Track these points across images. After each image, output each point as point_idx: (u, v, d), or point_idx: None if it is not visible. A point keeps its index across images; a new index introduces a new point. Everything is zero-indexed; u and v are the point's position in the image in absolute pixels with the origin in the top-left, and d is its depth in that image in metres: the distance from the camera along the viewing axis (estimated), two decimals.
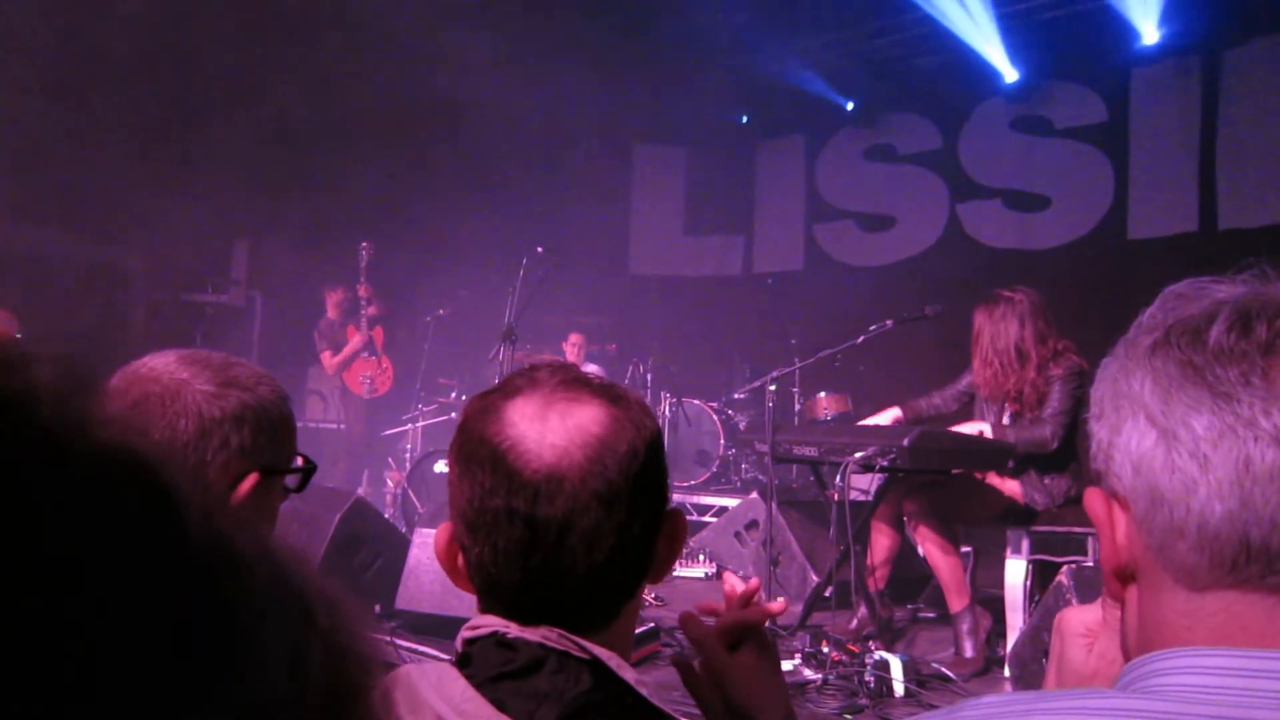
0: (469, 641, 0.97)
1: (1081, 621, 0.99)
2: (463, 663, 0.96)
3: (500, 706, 0.89)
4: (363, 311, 7.75)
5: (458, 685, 0.91)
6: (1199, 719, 0.59)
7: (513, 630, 0.95)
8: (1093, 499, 0.73)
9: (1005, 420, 4.27)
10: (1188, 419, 0.64)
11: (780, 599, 1.24)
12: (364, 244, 7.71)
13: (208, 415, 1.23)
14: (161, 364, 1.27)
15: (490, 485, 0.94)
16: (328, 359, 7.77)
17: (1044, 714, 0.64)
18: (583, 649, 0.92)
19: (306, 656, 0.28)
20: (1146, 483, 0.66)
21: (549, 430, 0.94)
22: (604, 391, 0.99)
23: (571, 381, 0.99)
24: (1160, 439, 0.66)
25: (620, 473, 0.94)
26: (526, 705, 0.89)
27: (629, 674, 0.93)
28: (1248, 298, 0.67)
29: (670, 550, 1.03)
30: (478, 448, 0.96)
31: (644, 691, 0.93)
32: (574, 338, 8.15)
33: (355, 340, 7.75)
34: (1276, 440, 0.61)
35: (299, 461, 1.38)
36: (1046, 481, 4.17)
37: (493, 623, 0.96)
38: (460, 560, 1.00)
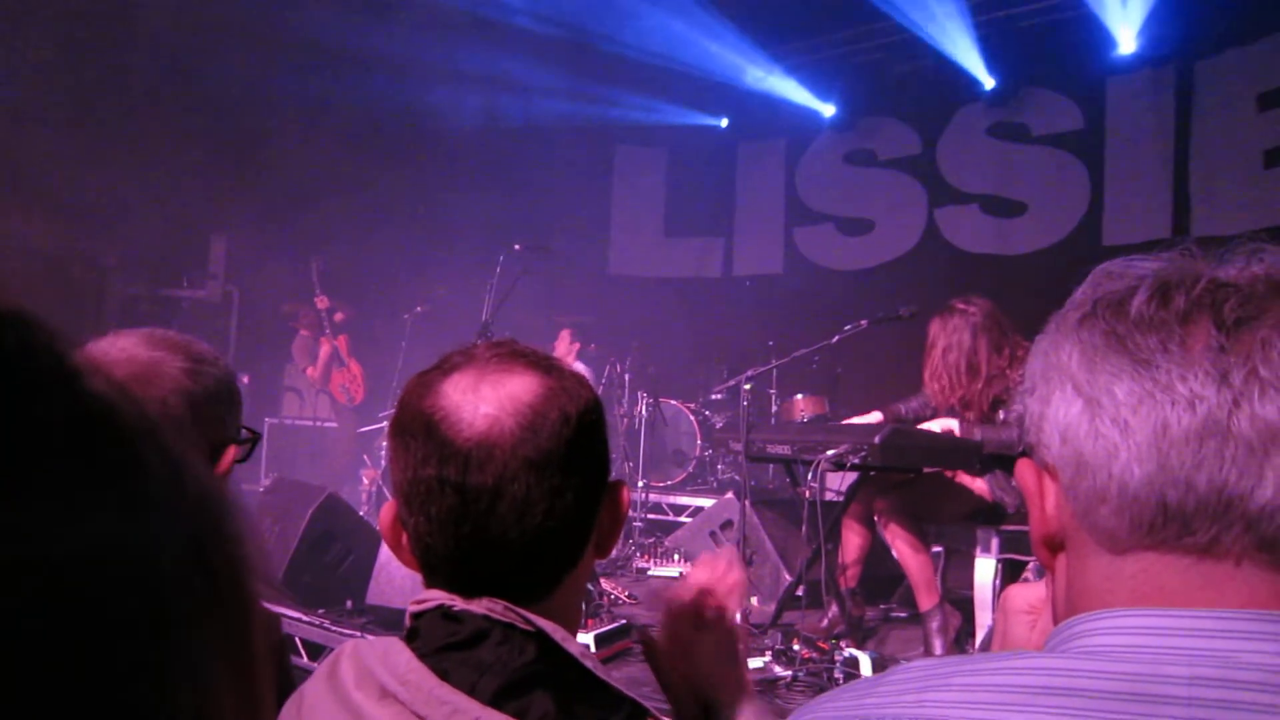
0: (416, 616, 0.98)
1: (1024, 599, 1.01)
2: (410, 636, 0.97)
3: (444, 677, 0.89)
4: (325, 322, 7.85)
5: (403, 656, 0.92)
6: (1115, 676, 0.60)
7: (458, 603, 0.95)
8: (1023, 470, 0.75)
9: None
10: (1110, 386, 0.66)
11: (736, 573, 1.24)
12: (315, 259, 7.82)
13: (192, 391, 1.25)
14: (130, 344, 1.27)
15: (423, 455, 0.95)
16: (311, 374, 7.94)
17: (969, 674, 0.65)
18: (527, 621, 0.93)
19: (205, 549, 0.28)
20: (1072, 450, 0.68)
21: (481, 400, 0.95)
22: (538, 363, 1.00)
23: (507, 355, 1.00)
24: (1085, 407, 0.67)
25: (552, 439, 0.94)
26: (470, 676, 0.90)
27: (574, 646, 0.94)
28: (1168, 270, 0.69)
29: (613, 521, 1.04)
30: (412, 420, 0.97)
31: (588, 664, 0.94)
32: (564, 334, 8.14)
33: (323, 351, 7.87)
34: (1192, 405, 0.62)
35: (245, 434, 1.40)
36: (1015, 482, 4.19)
37: (438, 596, 0.97)
38: (404, 537, 1.01)
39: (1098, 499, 0.66)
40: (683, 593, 1.28)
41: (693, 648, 1.22)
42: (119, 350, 1.26)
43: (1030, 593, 0.99)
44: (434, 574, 0.99)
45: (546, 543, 0.95)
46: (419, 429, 0.96)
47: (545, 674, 0.91)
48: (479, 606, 0.94)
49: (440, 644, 0.93)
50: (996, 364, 4.17)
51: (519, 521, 0.93)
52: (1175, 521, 0.63)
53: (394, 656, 0.92)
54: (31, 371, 0.25)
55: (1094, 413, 0.66)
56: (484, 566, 0.95)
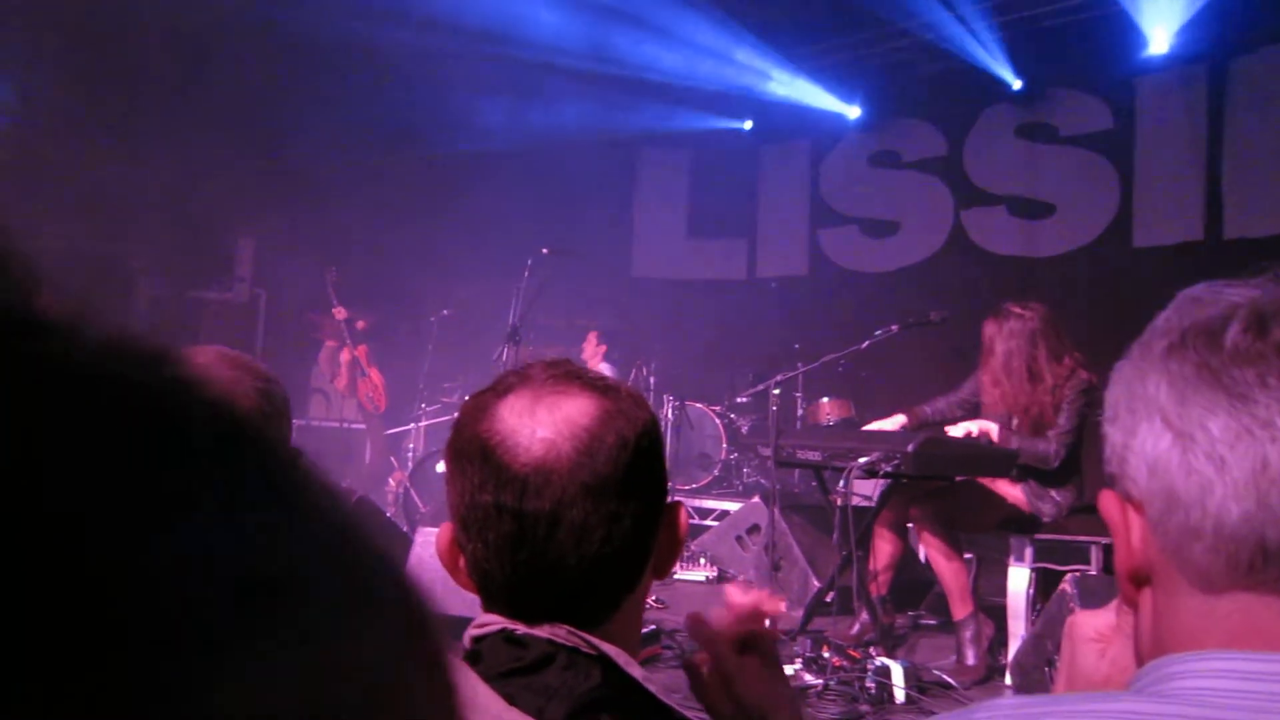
0: (477, 639, 0.97)
1: (1093, 627, 0.99)
2: (471, 659, 0.96)
3: (510, 702, 0.89)
4: (345, 332, 7.92)
5: (469, 680, 0.92)
6: None
7: (520, 628, 0.95)
8: (1107, 502, 0.73)
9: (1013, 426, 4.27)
10: (1204, 421, 0.64)
11: (778, 599, 1.23)
12: (328, 270, 7.88)
13: (266, 413, 1.31)
14: (208, 363, 1.32)
15: (479, 480, 0.94)
16: (339, 385, 8.05)
17: (1057, 716, 0.64)
18: (591, 645, 0.92)
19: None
20: (1162, 485, 0.66)
21: (538, 424, 0.94)
22: (594, 384, 0.98)
23: (562, 376, 0.99)
24: (1176, 441, 0.65)
25: (609, 464, 0.93)
26: (536, 700, 0.89)
27: (636, 670, 0.93)
28: (1263, 300, 0.67)
29: (671, 543, 1.03)
30: (468, 444, 0.96)
31: (651, 688, 0.93)
32: (591, 337, 8.14)
33: (344, 360, 7.96)
34: None
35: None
36: (1054, 494, 4.15)
37: (500, 620, 0.96)
38: (461, 561, 1.00)
39: (1191, 536, 0.65)
40: (724, 618, 1.27)
41: (740, 675, 1.22)
42: (202, 365, 1.30)
43: (1099, 619, 0.97)
44: (492, 599, 0.98)
45: (605, 568, 0.94)
46: (475, 453, 0.95)
47: (611, 699, 0.91)
48: (542, 631, 0.93)
49: (505, 668, 0.92)
50: (1058, 372, 4.11)
51: (577, 548, 0.92)
52: (1276, 563, 0.62)
53: (471, 683, 0.92)
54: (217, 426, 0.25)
55: (1186, 447, 0.65)
56: (542, 592, 0.94)
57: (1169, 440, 0.66)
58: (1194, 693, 0.62)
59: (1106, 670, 0.94)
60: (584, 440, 0.93)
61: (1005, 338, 4.19)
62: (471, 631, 0.98)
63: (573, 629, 0.93)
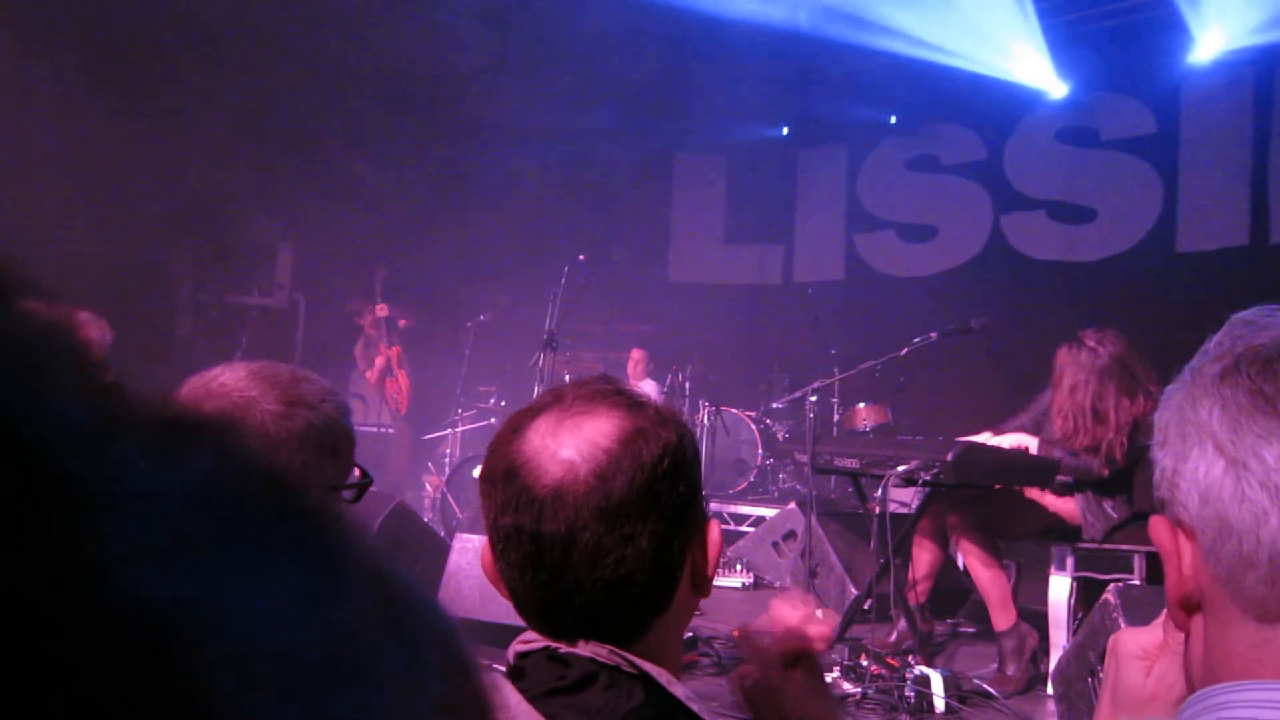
0: (521, 655, 0.98)
1: (1138, 644, 0.98)
2: (515, 675, 0.97)
3: None
4: (384, 330, 7.99)
5: (512, 699, 0.92)
6: None
7: (563, 646, 0.95)
8: (1158, 528, 0.73)
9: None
10: (1258, 449, 0.63)
11: (830, 619, 1.23)
12: (379, 267, 7.95)
13: (275, 436, 1.25)
14: (232, 379, 1.29)
15: (502, 501, 0.95)
16: (370, 377, 8.12)
17: None
18: (632, 664, 0.93)
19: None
20: (1215, 512, 0.66)
21: (560, 445, 0.94)
22: (622, 403, 0.98)
23: (592, 395, 0.99)
24: (1229, 468, 0.65)
25: (625, 486, 0.92)
26: None
27: (679, 690, 0.93)
28: None
29: (702, 562, 1.02)
30: (495, 465, 0.98)
31: (695, 708, 0.93)
32: (635, 353, 8.15)
33: (378, 361, 8.03)
34: None
35: (356, 474, 1.40)
36: (1109, 508, 4.06)
37: (542, 639, 0.97)
38: None
39: (1244, 564, 0.64)
40: (770, 635, 1.28)
41: (786, 688, 1.23)
42: (218, 384, 1.29)
43: (1144, 637, 0.95)
44: (525, 617, 1.00)
45: (623, 590, 0.94)
46: (500, 475, 0.97)
47: (654, 718, 0.91)
48: (584, 650, 0.94)
49: (548, 687, 0.93)
50: (1129, 411, 3.95)
51: (591, 570, 0.92)
52: None
53: (504, 696, 0.92)
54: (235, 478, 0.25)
55: (1239, 475, 0.64)
56: (564, 613, 0.95)
57: (1222, 467, 0.65)
58: None
59: (1152, 688, 0.93)
60: (602, 462, 0.93)
61: (1073, 371, 4.05)
62: (516, 647, 0.99)
63: (614, 649, 0.94)
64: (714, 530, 1.03)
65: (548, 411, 0.98)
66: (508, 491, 0.95)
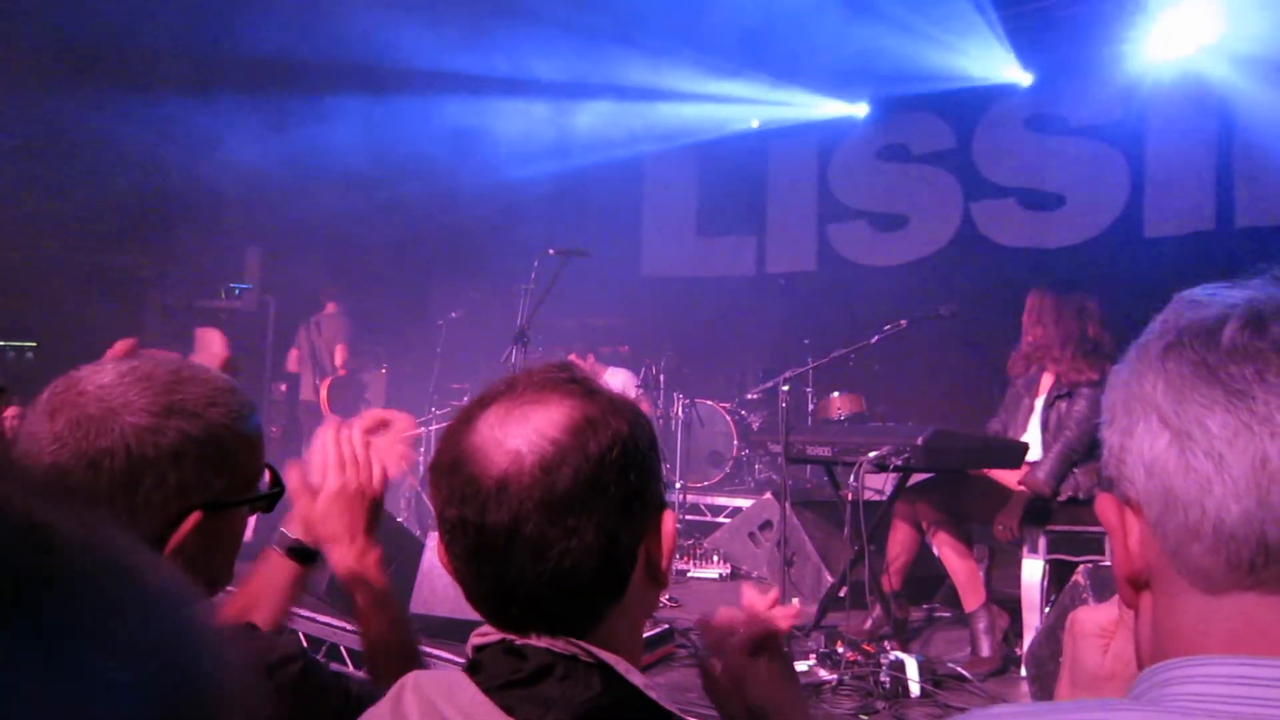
0: (478, 649, 0.97)
1: (1095, 622, 0.98)
2: (473, 669, 0.96)
3: (510, 713, 0.89)
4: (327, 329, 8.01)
5: (468, 692, 0.91)
6: None
7: (520, 637, 0.94)
8: (1104, 506, 0.72)
9: (1038, 404, 4.32)
10: (1202, 419, 0.63)
11: (795, 601, 1.23)
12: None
13: (137, 453, 1.07)
14: (99, 384, 1.10)
15: (448, 493, 0.94)
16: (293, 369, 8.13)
17: None
18: (590, 654, 0.92)
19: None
20: (1160, 485, 0.65)
21: (508, 436, 0.93)
22: (574, 391, 0.97)
23: (543, 384, 0.97)
24: (1174, 440, 0.64)
25: (570, 478, 0.91)
26: (536, 711, 0.89)
27: (637, 678, 0.92)
28: (1261, 298, 0.66)
29: (657, 554, 0.99)
30: (443, 456, 0.97)
31: (653, 695, 0.92)
32: (570, 357, 8.16)
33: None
34: None
35: (266, 480, 1.24)
36: (1076, 473, 4.13)
37: (499, 630, 0.96)
38: None
39: (1190, 536, 0.64)
40: (734, 621, 1.28)
41: (750, 676, 1.22)
42: (79, 390, 1.09)
43: (1100, 615, 0.96)
44: (477, 608, 0.98)
45: (567, 583, 0.92)
46: (447, 466, 0.96)
47: (611, 707, 0.90)
48: (541, 641, 0.93)
49: (504, 679, 0.92)
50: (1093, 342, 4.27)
51: (534, 564, 0.91)
52: (1276, 561, 0.61)
53: (459, 692, 0.91)
54: None
55: (1184, 446, 0.64)
56: (509, 605, 0.94)
57: (1167, 439, 0.65)
58: (1189, 699, 0.61)
59: (1110, 666, 0.93)
60: (548, 453, 0.91)
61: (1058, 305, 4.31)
62: (474, 640, 0.98)
63: (571, 639, 0.93)
64: (668, 521, 1.01)
65: (498, 401, 0.97)
66: (453, 483, 0.94)
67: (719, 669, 1.28)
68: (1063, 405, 4.19)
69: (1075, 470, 4.13)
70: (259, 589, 1.44)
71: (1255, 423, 0.61)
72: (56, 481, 1.01)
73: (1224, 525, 0.62)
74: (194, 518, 1.10)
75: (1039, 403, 4.33)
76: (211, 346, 1.76)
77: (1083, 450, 4.08)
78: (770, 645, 1.28)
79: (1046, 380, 4.32)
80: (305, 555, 1.46)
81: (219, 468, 1.13)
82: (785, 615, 1.30)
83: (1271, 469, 0.60)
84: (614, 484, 0.93)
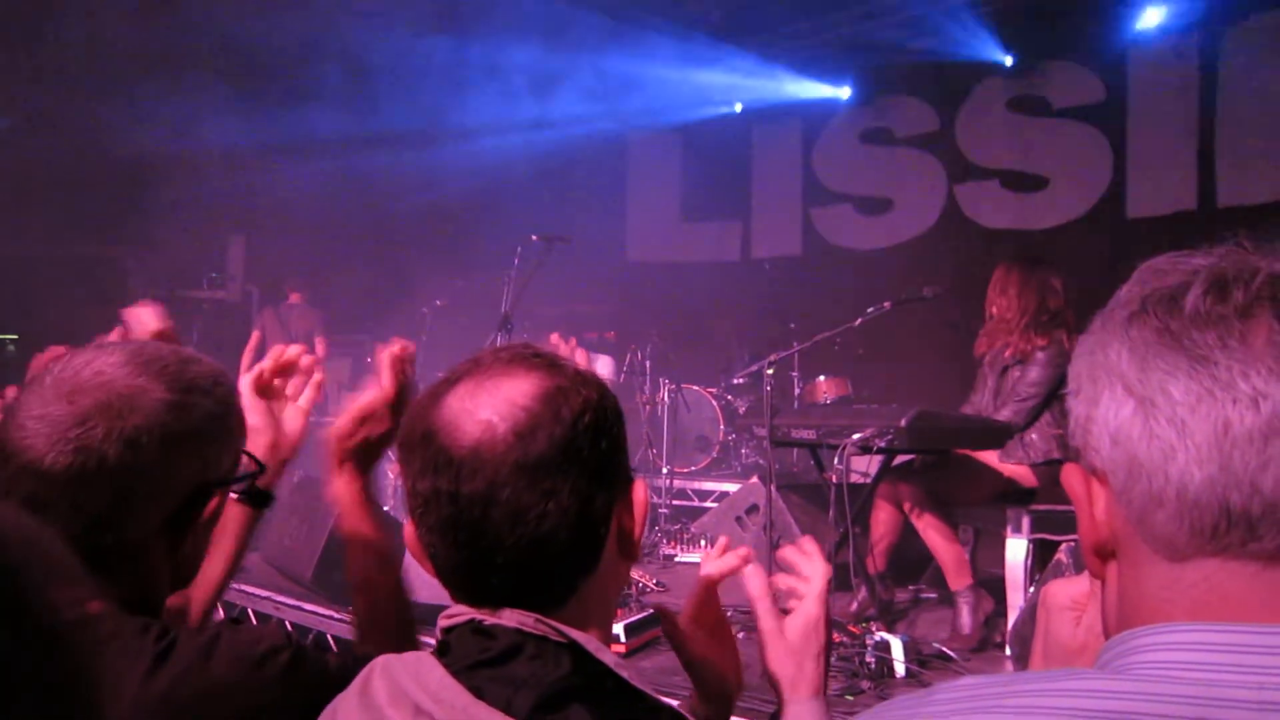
0: (447, 630, 0.96)
1: (1067, 594, 0.98)
2: (441, 651, 0.95)
3: (478, 694, 0.88)
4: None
5: (435, 674, 0.90)
6: (1175, 699, 0.57)
7: (488, 617, 0.93)
8: (1071, 475, 0.72)
9: (993, 382, 4.41)
10: (1165, 385, 0.63)
11: (743, 548, 1.25)
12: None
13: (172, 429, 1.08)
14: (111, 366, 1.08)
15: (420, 466, 0.94)
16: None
17: (1016, 696, 0.62)
18: (560, 633, 0.91)
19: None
20: (1125, 453, 0.65)
21: (479, 407, 0.93)
22: (541, 365, 0.97)
23: (509, 359, 0.98)
24: (1138, 408, 0.64)
25: (545, 441, 0.92)
26: (505, 692, 0.88)
27: (608, 656, 0.92)
28: (1224, 264, 0.65)
29: (629, 523, 1.01)
30: (413, 430, 0.96)
31: (624, 674, 0.92)
32: (552, 337, 8.13)
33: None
34: (1255, 403, 0.60)
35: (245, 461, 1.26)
36: (1026, 438, 4.21)
37: (468, 610, 0.95)
38: None
39: (1154, 503, 0.63)
40: (714, 572, 1.31)
41: (689, 642, 1.25)
42: (93, 372, 1.08)
43: (1073, 587, 0.96)
44: (449, 586, 0.98)
45: (545, 549, 0.92)
46: (418, 439, 0.96)
47: (581, 686, 0.89)
48: (509, 620, 0.92)
49: (472, 660, 0.91)
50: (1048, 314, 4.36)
51: (512, 529, 0.91)
52: (1239, 526, 0.60)
53: (426, 674, 0.91)
54: None
55: (1148, 413, 0.63)
56: (487, 575, 0.93)
57: (1131, 407, 0.65)
58: (1152, 667, 0.60)
59: (1082, 638, 0.94)
60: (521, 420, 0.92)
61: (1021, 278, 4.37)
62: (442, 622, 0.97)
63: (541, 617, 0.92)
64: (640, 490, 1.01)
65: (466, 378, 0.97)
66: (425, 454, 0.94)
67: (688, 619, 1.31)
68: (1015, 372, 4.25)
69: (1027, 437, 4.20)
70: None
71: (1218, 389, 0.61)
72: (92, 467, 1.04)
73: (1187, 492, 0.62)
74: (218, 497, 1.16)
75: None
76: (145, 323, 1.75)
77: (1033, 413, 4.17)
78: (707, 603, 1.31)
79: (1005, 354, 4.37)
80: (257, 498, 1.48)
81: (227, 445, 1.18)
82: (740, 555, 1.31)
83: (1234, 435, 0.60)
84: (587, 448, 0.94)
